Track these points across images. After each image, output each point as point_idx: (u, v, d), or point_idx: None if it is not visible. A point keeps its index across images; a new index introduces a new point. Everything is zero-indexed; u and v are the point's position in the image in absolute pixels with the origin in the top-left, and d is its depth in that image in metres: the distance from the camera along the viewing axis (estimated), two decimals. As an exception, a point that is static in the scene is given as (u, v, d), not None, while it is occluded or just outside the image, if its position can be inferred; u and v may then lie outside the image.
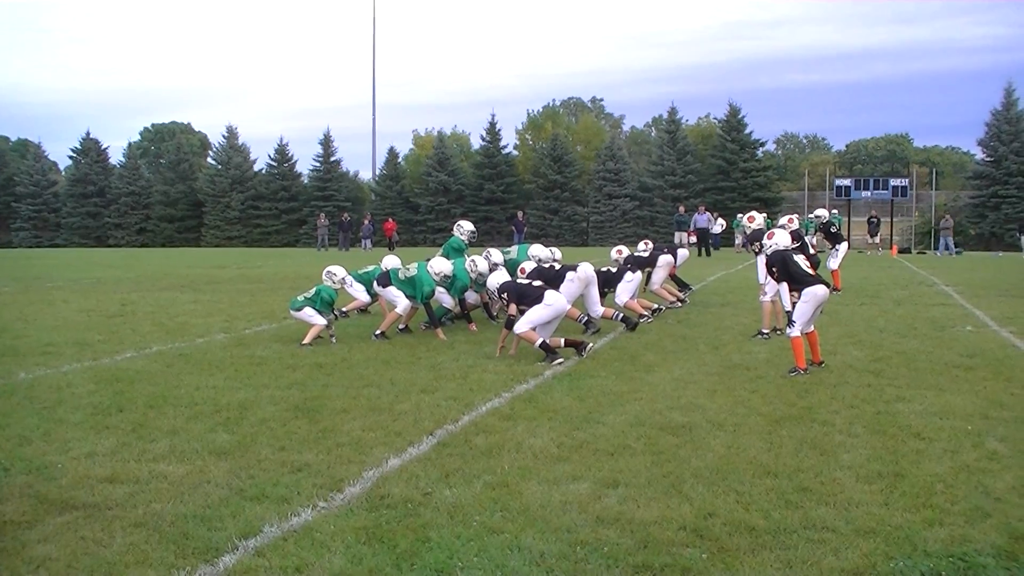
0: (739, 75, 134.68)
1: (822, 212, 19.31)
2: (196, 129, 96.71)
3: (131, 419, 7.49)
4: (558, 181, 57.79)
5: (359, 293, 13.91)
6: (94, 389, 8.74)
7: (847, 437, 6.79)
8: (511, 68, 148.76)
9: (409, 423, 7.28)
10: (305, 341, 11.57)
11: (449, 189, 59.13)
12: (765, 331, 12.13)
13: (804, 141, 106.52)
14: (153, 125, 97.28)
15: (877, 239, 42.72)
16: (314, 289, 12.43)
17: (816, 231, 19.41)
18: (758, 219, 13.59)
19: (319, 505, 5.28)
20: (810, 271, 9.79)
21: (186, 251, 51.61)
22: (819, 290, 9.63)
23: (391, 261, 13.58)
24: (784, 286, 9.87)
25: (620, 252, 15.70)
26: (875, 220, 43.03)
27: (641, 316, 13.41)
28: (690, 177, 55.25)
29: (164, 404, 8.05)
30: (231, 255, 42.80)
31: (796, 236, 14.09)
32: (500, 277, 11.82)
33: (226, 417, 7.54)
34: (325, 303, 12.20)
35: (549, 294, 10.60)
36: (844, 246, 18.77)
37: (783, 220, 14.80)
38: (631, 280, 13.83)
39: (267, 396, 8.39)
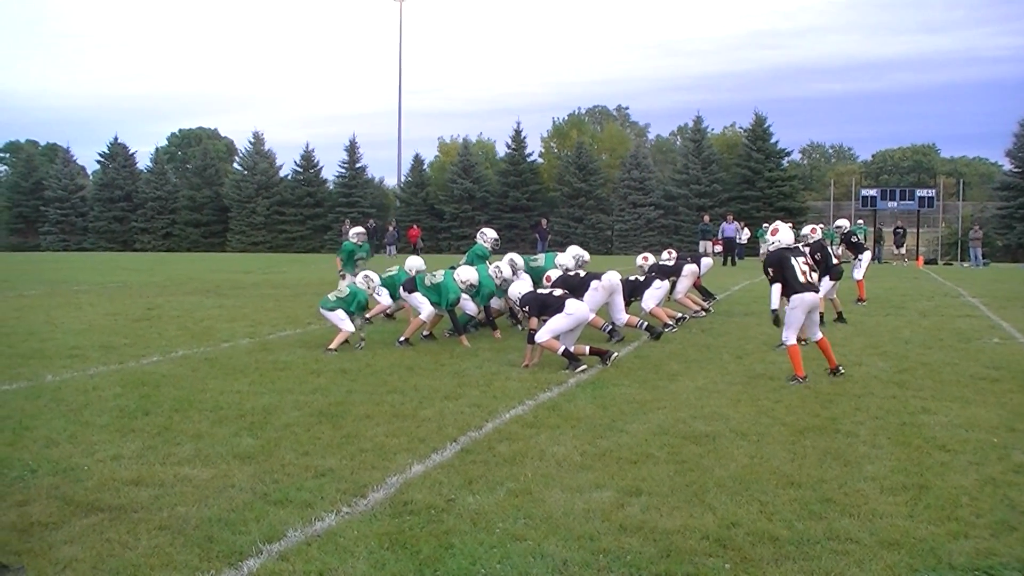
0: (765, 84, 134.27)
1: (843, 223, 19.17)
2: (223, 135, 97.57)
3: (156, 423, 7.55)
4: (583, 189, 57.78)
5: (383, 297, 13.88)
6: (120, 392, 8.82)
7: (871, 448, 6.76)
8: (537, 76, 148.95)
9: (432, 430, 7.30)
10: (332, 346, 11.58)
11: (474, 196, 59.23)
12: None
13: (830, 151, 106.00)
14: (180, 130, 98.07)
15: (903, 250, 42.45)
16: (348, 290, 12.40)
17: (839, 242, 19.29)
18: (782, 230, 13.33)
19: (342, 510, 5.30)
20: (803, 277, 9.71)
21: (211, 256, 51.94)
22: (807, 296, 9.65)
23: (414, 263, 13.61)
24: (776, 288, 9.79)
25: (646, 259, 15.67)
26: (901, 231, 42.75)
27: (665, 325, 13.38)
28: (715, 186, 55.08)
29: (189, 408, 8.11)
30: (256, 260, 43.04)
31: (819, 247, 14.08)
32: (523, 286, 11.84)
33: (250, 422, 7.59)
34: (360, 306, 12.21)
35: (570, 303, 10.57)
36: (867, 256, 18.65)
37: (806, 230, 14.78)
38: (659, 288, 13.87)
39: (291, 401, 8.43)
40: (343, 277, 16.00)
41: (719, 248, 38.99)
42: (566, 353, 10.23)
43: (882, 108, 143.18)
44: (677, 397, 8.70)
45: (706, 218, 42.72)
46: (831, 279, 14.19)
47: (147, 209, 64.75)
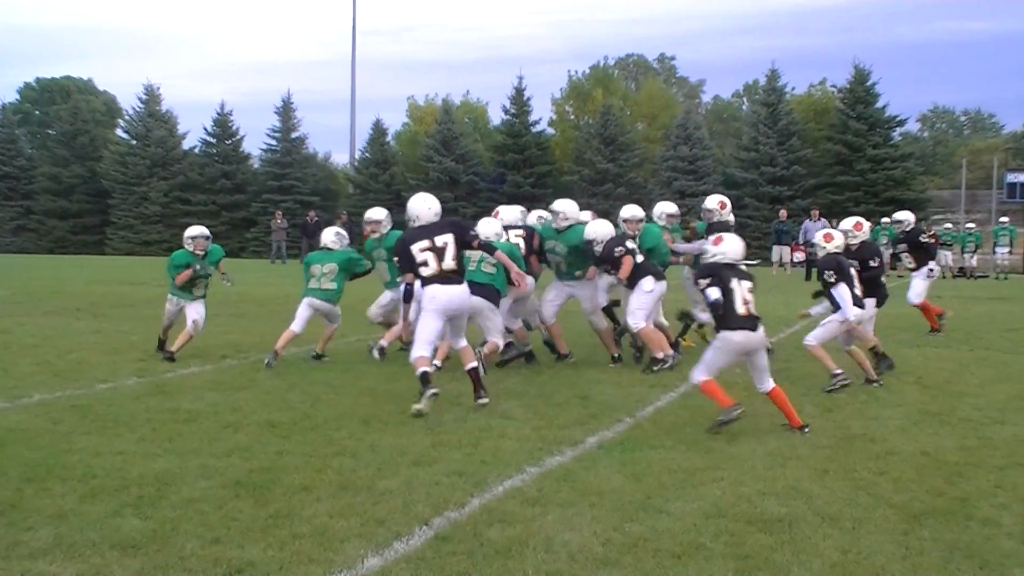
0: (870, 23, 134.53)
1: (905, 215, 18.98)
2: (100, 88, 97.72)
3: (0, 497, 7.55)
4: (610, 171, 57.96)
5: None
6: (-49, 452, 8.82)
7: (1020, 544, 6.76)
8: (545, 10, 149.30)
9: (396, 508, 7.30)
10: (319, 350, 12.38)
11: (457, 180, 59.37)
12: (874, 379, 12.78)
13: (963, 119, 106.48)
14: (38, 80, 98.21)
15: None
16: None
17: (897, 241, 19.00)
18: (837, 236, 13.24)
19: (266, 621, 5.30)
20: (743, 308, 10.03)
21: (85, 260, 51.90)
22: (736, 337, 9.93)
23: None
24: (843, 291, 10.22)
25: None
26: None
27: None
28: (796, 169, 55.28)
29: (48, 476, 8.09)
30: (149, 267, 42.96)
31: (862, 251, 13.69)
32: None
33: (137, 496, 7.57)
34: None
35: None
36: (930, 268, 18.44)
37: (847, 224, 14.19)
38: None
39: (197, 466, 8.43)
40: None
41: (800, 256, 39.03)
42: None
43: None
44: (739, 465, 8.71)
45: (783, 214, 42.83)
46: (876, 304, 13.96)
47: (-13, 192, 64.92)
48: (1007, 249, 41.90)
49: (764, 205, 53.30)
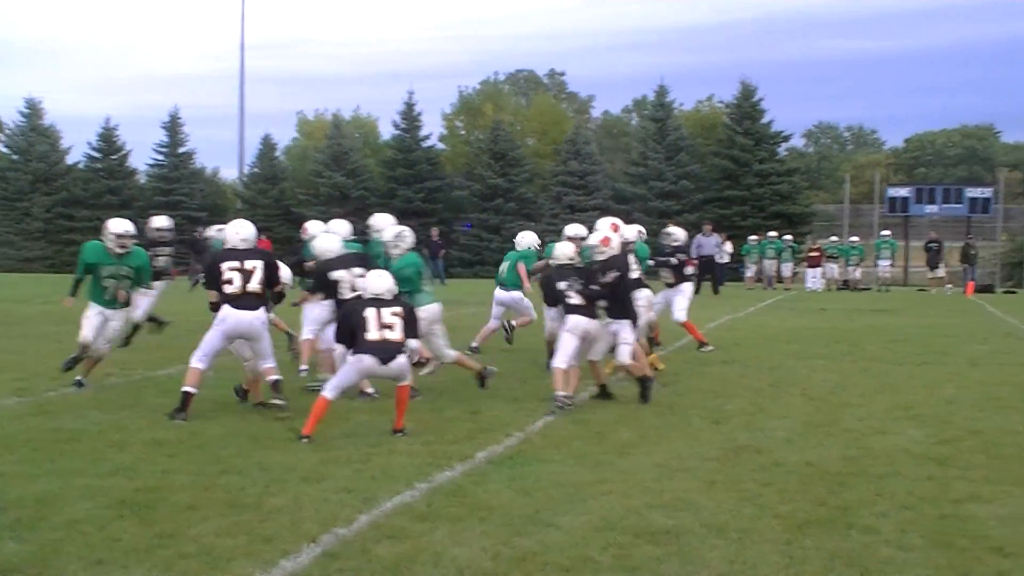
0: (756, 41, 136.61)
1: (676, 231, 18.87)
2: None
3: None
4: (500, 187, 58.04)
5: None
6: None
7: (898, 551, 6.87)
8: (437, 26, 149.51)
9: (284, 525, 7.26)
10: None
11: (348, 195, 59.05)
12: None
13: (846, 135, 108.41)
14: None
15: (940, 271, 42.93)
16: None
17: (663, 255, 18.67)
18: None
19: (151, 642, 5.24)
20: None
21: (-33, 278, 50.88)
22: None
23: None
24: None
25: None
26: (935, 246, 42.92)
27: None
28: (685, 183, 55.80)
29: (-74, 498, 7.95)
30: (30, 283, 42.24)
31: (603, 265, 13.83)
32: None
33: (16, 518, 7.44)
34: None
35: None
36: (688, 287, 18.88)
37: (594, 239, 13.50)
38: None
39: (79, 487, 8.29)
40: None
41: (691, 269, 39.35)
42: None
43: (921, 75, 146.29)
44: (628, 478, 8.77)
45: (671, 228, 43.13)
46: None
47: None
48: (889, 262, 42.64)
49: (653, 220, 53.51)
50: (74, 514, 7.51)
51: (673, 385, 13.87)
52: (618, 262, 12.79)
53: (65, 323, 20.25)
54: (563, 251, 12.69)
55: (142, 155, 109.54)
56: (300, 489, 8.25)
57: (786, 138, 59.66)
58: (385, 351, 10.36)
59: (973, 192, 47.88)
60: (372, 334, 10.36)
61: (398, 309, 10.68)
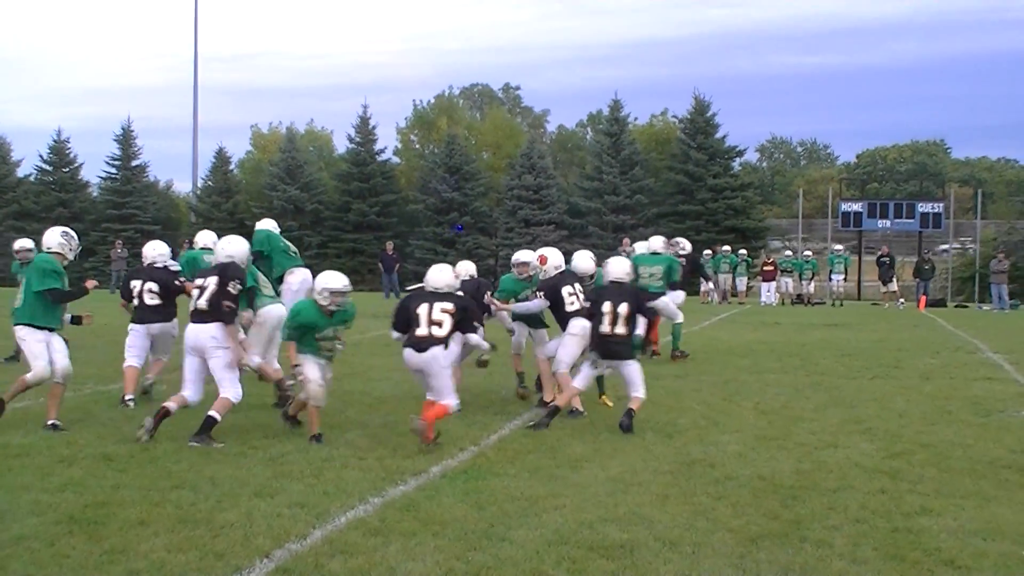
0: (709, 56, 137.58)
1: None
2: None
3: None
4: (455, 200, 58.00)
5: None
6: None
7: (851, 564, 6.92)
8: (392, 38, 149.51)
9: (236, 540, 7.23)
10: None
11: (303, 209, 58.93)
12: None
13: (799, 150, 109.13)
14: None
15: (893, 285, 43.22)
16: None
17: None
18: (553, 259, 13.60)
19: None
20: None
21: (-84, 292, 50.34)
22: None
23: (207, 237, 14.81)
24: None
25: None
26: (887, 260, 43.21)
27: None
28: (639, 198, 55.95)
29: None
30: (-18, 298, 41.90)
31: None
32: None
33: (-35, 533, 7.37)
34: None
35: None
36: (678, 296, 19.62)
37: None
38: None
39: (27, 502, 8.23)
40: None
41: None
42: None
43: (873, 90, 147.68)
44: (581, 492, 8.79)
45: (626, 242, 43.19)
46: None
47: None
48: (842, 276, 42.90)
49: (608, 234, 53.81)
50: (22, 530, 7.45)
51: (625, 399, 13.88)
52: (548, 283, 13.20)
53: (7, 338, 20.14)
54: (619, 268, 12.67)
55: (94, 167, 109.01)
56: (252, 504, 8.21)
57: (740, 153, 59.97)
58: (422, 343, 10.68)
59: (924, 207, 48.25)
60: (422, 330, 10.73)
61: (449, 305, 10.88)
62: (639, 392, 11.88)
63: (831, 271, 42.91)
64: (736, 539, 7.41)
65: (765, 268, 43.12)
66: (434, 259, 55.12)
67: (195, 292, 11.23)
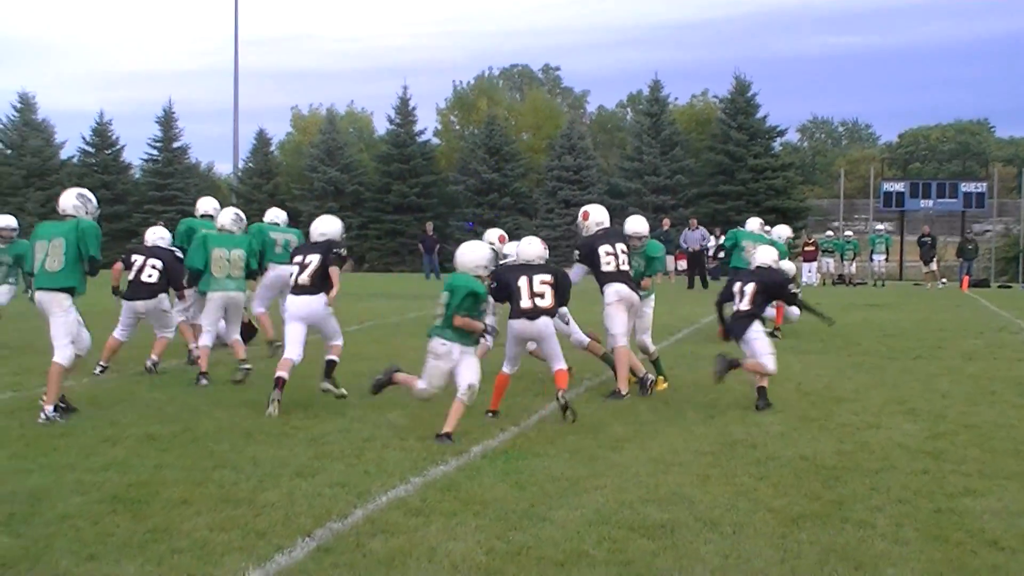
0: (750, 37, 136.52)
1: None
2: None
3: None
4: (495, 181, 58.09)
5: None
6: None
7: (893, 545, 6.87)
8: (431, 21, 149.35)
9: (278, 520, 7.24)
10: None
11: (343, 190, 59.12)
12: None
13: (840, 130, 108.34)
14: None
15: (934, 266, 42.83)
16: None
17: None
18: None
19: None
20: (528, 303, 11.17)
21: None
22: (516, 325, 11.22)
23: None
24: None
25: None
26: (928, 241, 42.83)
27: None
28: (679, 178, 55.86)
29: (-83, 493, 7.92)
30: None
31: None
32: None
33: (9, 513, 7.42)
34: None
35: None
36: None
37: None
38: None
39: (72, 481, 8.28)
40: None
41: (684, 264, 39.41)
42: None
43: (915, 71, 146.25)
44: (622, 472, 8.76)
45: (666, 223, 43.14)
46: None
47: None
48: (883, 256, 42.78)
49: (648, 214, 53.57)
50: (66, 509, 7.49)
51: (668, 379, 13.85)
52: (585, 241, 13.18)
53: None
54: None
55: (136, 150, 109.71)
56: (294, 484, 8.23)
57: (780, 133, 59.80)
58: (531, 313, 11.07)
59: (968, 187, 47.86)
60: (525, 302, 11.06)
61: (548, 276, 11.20)
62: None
63: (872, 251, 42.74)
64: (777, 519, 7.37)
65: (806, 248, 42.94)
66: (472, 239, 55.12)
67: (296, 268, 12.10)
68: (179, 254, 14.67)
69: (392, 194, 58.71)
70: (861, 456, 9.44)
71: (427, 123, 73.45)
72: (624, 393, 12.40)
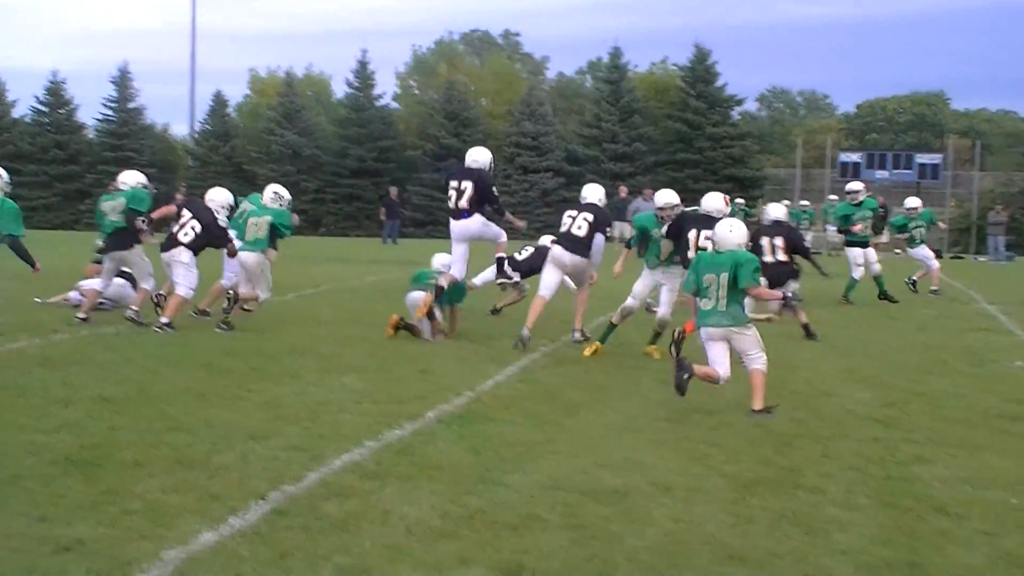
0: (710, 4, 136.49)
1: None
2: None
3: None
4: (454, 147, 57.81)
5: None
6: None
7: (844, 510, 6.94)
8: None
9: (231, 483, 7.23)
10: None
11: (300, 154, 58.86)
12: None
13: (799, 100, 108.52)
14: None
15: (884, 237, 42.79)
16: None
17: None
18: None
19: (95, 598, 5.21)
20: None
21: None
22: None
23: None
24: None
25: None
26: (882, 210, 42.87)
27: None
28: (638, 146, 55.92)
29: None
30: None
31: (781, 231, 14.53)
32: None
33: (-40, 472, 7.38)
34: None
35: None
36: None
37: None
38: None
39: (23, 443, 8.21)
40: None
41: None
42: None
43: (873, 42, 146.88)
44: (577, 438, 8.81)
45: (623, 191, 43.12)
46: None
47: None
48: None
49: (606, 182, 53.41)
50: (17, 470, 7.44)
51: (623, 347, 13.90)
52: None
53: (12, 279, 20.14)
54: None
55: (91, 110, 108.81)
56: (248, 447, 8.21)
57: (739, 102, 60.04)
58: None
59: (923, 158, 48.35)
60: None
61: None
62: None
63: (827, 221, 42.86)
64: (730, 485, 7.43)
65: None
66: (431, 205, 55.20)
67: (452, 194, 13.67)
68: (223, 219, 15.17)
69: (350, 158, 58.54)
70: (813, 424, 9.52)
71: (386, 87, 73.46)
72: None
